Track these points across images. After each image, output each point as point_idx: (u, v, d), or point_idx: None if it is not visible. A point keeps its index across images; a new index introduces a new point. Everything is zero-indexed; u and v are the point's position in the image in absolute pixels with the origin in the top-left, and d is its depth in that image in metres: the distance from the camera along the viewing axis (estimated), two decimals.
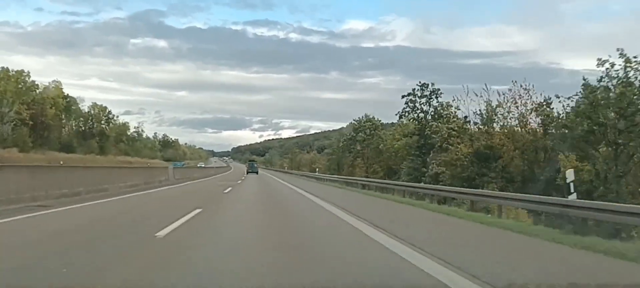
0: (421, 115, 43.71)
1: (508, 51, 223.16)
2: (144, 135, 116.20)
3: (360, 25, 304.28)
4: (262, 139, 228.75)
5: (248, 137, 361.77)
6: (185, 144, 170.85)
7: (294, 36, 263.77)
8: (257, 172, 63.20)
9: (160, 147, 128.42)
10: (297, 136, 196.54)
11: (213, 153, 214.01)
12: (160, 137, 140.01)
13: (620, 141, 18.63)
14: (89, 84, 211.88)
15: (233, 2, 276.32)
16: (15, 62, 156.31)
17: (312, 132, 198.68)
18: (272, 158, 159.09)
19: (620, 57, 18.44)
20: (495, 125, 28.36)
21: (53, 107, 70.67)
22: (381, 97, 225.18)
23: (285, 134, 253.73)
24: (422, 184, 25.58)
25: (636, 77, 18.50)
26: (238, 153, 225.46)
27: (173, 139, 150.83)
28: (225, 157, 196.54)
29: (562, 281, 4.37)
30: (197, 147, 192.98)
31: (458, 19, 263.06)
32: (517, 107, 26.84)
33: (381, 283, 4.37)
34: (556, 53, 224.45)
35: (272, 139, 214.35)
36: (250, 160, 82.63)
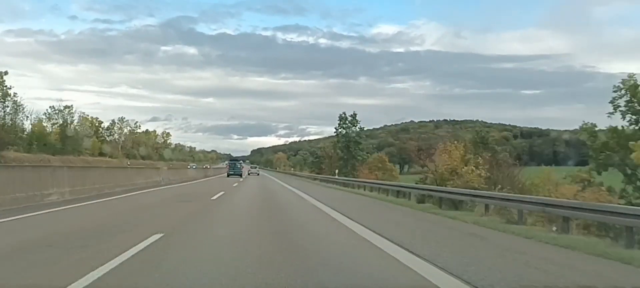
0: None
1: (542, 55, 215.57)
2: None
3: (390, 30, 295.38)
4: (288, 142, 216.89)
5: (272, 142, 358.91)
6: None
7: (323, 41, 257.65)
8: (240, 175, 49.77)
9: None
10: (330, 137, 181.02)
11: (230, 157, 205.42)
12: None
13: None
14: (117, 91, 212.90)
15: (264, 8, 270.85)
16: (48, 71, 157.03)
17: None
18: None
19: None
20: None
21: None
22: (410, 103, 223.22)
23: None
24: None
25: None
26: (257, 155, 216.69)
27: None
28: (240, 160, 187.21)
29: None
30: (209, 151, 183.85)
31: (489, 23, 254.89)
32: None
33: None
34: (591, 57, 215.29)
35: (301, 141, 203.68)
36: (231, 160, 59.72)
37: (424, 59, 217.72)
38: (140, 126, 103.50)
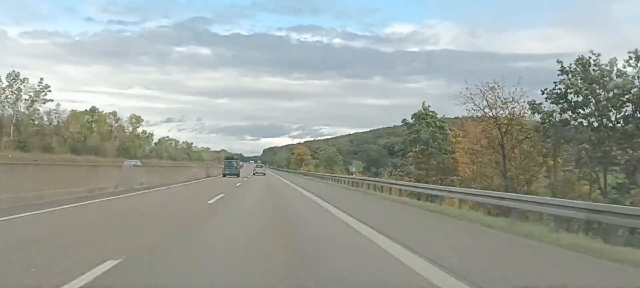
0: None
1: (558, 53, 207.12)
2: None
3: (405, 29, 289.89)
4: (301, 142, 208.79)
5: (285, 143, 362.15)
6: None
7: (338, 41, 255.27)
8: (237, 174, 45.94)
9: None
10: (349, 134, 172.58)
11: (241, 157, 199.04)
12: None
13: None
14: (132, 93, 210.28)
15: (279, 8, 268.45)
16: (63, 72, 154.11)
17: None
18: None
19: None
20: None
21: None
22: (425, 103, 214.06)
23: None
24: None
25: None
26: (270, 153, 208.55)
27: None
28: (251, 160, 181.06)
29: None
30: (219, 150, 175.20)
31: (505, 22, 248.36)
32: None
33: None
34: (607, 55, 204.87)
35: (317, 140, 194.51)
36: (227, 158, 58.52)
37: (439, 58, 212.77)
38: (47, 87, 59.79)
